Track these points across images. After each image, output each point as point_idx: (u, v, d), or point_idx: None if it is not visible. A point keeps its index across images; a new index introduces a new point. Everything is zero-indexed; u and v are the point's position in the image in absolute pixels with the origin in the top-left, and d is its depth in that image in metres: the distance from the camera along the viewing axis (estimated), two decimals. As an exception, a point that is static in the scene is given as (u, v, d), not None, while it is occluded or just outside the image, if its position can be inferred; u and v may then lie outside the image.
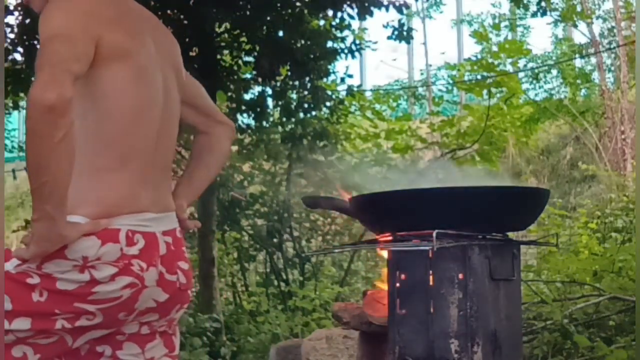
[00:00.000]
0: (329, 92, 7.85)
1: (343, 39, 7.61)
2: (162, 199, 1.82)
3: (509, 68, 11.10)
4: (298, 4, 6.95)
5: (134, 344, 1.79)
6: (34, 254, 1.62)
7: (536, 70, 13.68)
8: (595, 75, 13.85)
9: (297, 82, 7.40)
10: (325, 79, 7.87)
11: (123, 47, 1.70)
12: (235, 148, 8.58)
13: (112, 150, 1.70)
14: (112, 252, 1.67)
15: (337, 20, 7.37)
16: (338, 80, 8.21)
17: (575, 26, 13.58)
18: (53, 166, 1.55)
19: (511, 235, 3.14)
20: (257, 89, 7.58)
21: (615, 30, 13.34)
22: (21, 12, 6.77)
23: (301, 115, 7.71)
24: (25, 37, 6.74)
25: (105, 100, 1.69)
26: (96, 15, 1.68)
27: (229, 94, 7.42)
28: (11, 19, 6.75)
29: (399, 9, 6.87)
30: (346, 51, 7.47)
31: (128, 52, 1.71)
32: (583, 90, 13.84)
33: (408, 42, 7.69)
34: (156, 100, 1.78)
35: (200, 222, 6.94)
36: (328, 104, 7.71)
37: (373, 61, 18.89)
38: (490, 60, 10.52)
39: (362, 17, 7.24)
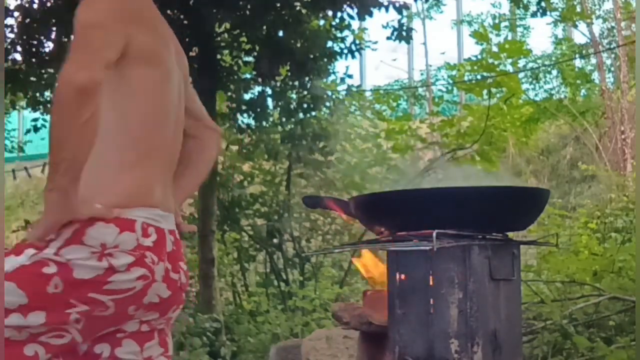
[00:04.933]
0: (329, 92, 7.85)
1: (343, 39, 7.61)
2: (169, 198, 1.88)
3: (509, 68, 11.10)
4: (298, 4, 6.95)
5: (133, 341, 1.81)
6: (46, 225, 1.66)
7: (536, 71, 13.68)
8: (595, 75, 13.86)
9: (297, 82, 7.40)
10: (325, 79, 7.87)
11: (153, 50, 1.80)
12: (235, 148, 8.58)
13: (136, 146, 1.77)
14: (129, 241, 1.71)
15: (337, 21, 7.37)
16: (338, 80, 8.21)
17: (575, 26, 13.58)
18: (75, 144, 1.62)
19: (511, 235, 3.14)
20: (257, 89, 7.58)
21: (615, 30, 13.34)
22: (21, 13, 6.78)
23: (301, 115, 7.71)
24: (25, 37, 6.74)
25: (135, 98, 1.77)
26: (129, 15, 1.77)
27: (229, 94, 7.43)
28: (11, 20, 6.75)
29: (398, 10, 6.87)
30: (346, 51, 7.47)
31: (157, 56, 1.81)
32: (583, 91, 13.84)
33: (408, 43, 7.69)
34: (174, 103, 1.88)
35: (200, 222, 7.02)
36: (328, 104, 7.71)
37: (373, 61, 18.88)
38: (490, 61, 10.51)
39: (361, 17, 7.24)
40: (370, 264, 3.41)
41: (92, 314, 1.70)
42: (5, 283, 1.66)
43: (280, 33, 6.98)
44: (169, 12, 6.61)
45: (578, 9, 13.07)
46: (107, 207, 1.71)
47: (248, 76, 7.72)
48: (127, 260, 1.70)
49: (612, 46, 13.34)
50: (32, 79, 7.03)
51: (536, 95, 13.61)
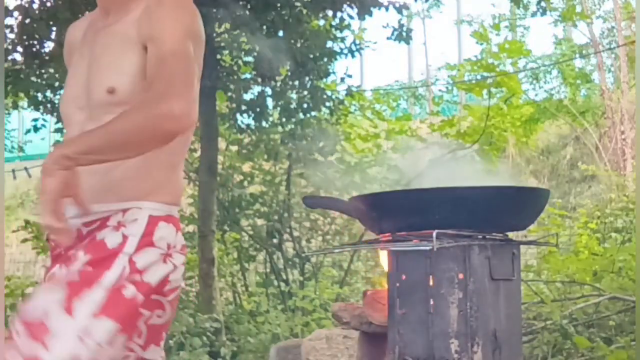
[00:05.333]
0: (329, 92, 7.84)
1: (343, 39, 7.61)
2: None
3: (509, 68, 11.10)
4: (298, 4, 6.95)
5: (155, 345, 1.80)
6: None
7: (536, 71, 13.68)
8: (595, 76, 13.86)
9: (297, 82, 7.39)
10: (325, 79, 7.87)
11: (200, 64, 1.83)
12: (235, 148, 8.58)
13: (182, 150, 1.83)
14: (180, 240, 1.77)
15: (337, 20, 7.37)
16: (338, 81, 8.21)
17: (575, 26, 13.58)
18: (127, 155, 1.64)
19: (511, 235, 3.14)
20: (257, 89, 7.58)
21: (615, 30, 13.34)
22: (21, 13, 6.77)
23: (301, 115, 7.71)
24: (25, 37, 6.73)
25: None
26: (194, 31, 1.79)
27: (229, 94, 7.42)
28: (11, 20, 6.75)
29: (398, 10, 6.86)
30: (346, 51, 7.47)
31: (199, 68, 1.84)
32: (583, 91, 13.83)
33: (408, 43, 7.68)
34: None
35: (200, 222, 7.02)
36: (328, 104, 7.71)
37: (373, 61, 18.86)
38: (490, 61, 10.51)
39: (361, 17, 7.24)
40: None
41: (150, 321, 1.70)
42: (100, 320, 1.62)
43: (280, 33, 6.98)
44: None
45: (578, 9, 13.06)
46: (160, 205, 1.74)
47: (248, 76, 7.72)
48: (181, 260, 1.75)
49: (612, 46, 13.34)
50: (33, 79, 7.02)
51: (536, 95, 13.61)
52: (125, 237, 1.68)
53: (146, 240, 1.68)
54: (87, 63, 1.79)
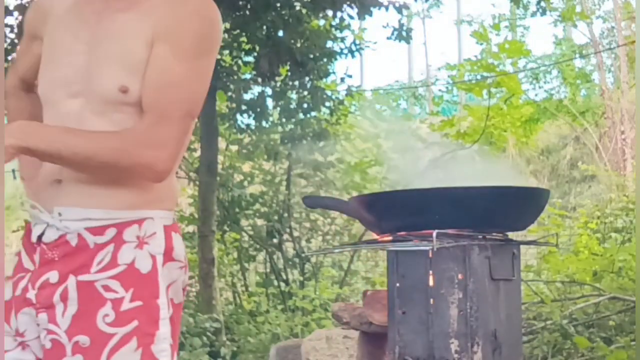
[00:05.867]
0: (329, 93, 7.84)
1: (343, 39, 7.61)
2: None
3: (509, 68, 11.10)
4: (298, 4, 6.94)
5: None
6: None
7: (536, 70, 13.68)
8: (595, 76, 13.87)
9: (296, 83, 7.39)
10: (325, 79, 7.86)
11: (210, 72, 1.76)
12: (235, 148, 8.58)
13: (180, 157, 1.68)
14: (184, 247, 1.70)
15: (337, 20, 7.37)
16: (338, 81, 8.21)
17: (575, 26, 13.58)
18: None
19: (511, 235, 3.14)
20: (257, 89, 7.58)
21: (615, 30, 13.35)
22: (21, 13, 6.77)
23: (301, 115, 7.71)
24: (25, 37, 6.72)
25: None
26: (216, 40, 1.69)
27: (229, 94, 7.42)
28: (11, 19, 6.75)
29: (398, 10, 6.86)
30: (346, 51, 7.46)
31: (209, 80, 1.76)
32: (583, 91, 13.84)
33: (408, 43, 7.68)
34: None
35: (200, 222, 7.01)
36: (328, 104, 7.70)
37: (373, 61, 18.88)
38: (490, 61, 10.51)
39: (361, 17, 7.23)
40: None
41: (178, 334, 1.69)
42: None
43: (280, 33, 6.98)
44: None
45: (578, 9, 13.07)
46: (168, 213, 1.66)
47: (248, 76, 7.71)
48: (185, 269, 1.68)
49: (612, 46, 13.34)
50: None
51: (536, 95, 13.62)
52: (153, 258, 1.59)
53: (168, 257, 1.61)
54: (85, 48, 1.62)
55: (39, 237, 1.60)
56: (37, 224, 1.62)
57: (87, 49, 1.62)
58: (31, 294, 1.59)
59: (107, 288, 1.55)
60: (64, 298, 1.56)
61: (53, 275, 1.58)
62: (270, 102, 7.69)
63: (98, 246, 1.57)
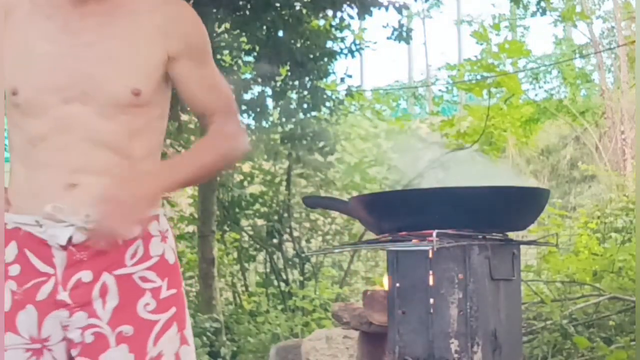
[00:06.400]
0: (329, 93, 7.84)
1: (343, 39, 7.60)
2: None
3: (509, 68, 11.09)
4: (298, 4, 6.94)
5: None
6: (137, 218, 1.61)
7: (536, 70, 13.68)
8: (595, 75, 13.87)
9: (296, 83, 7.39)
10: (325, 79, 7.86)
11: None
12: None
13: None
14: None
15: (337, 20, 7.36)
16: (338, 81, 8.20)
17: (575, 26, 13.59)
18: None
19: (511, 235, 3.14)
20: (257, 89, 7.57)
21: (615, 30, 13.35)
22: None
23: (301, 115, 7.70)
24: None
25: None
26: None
27: (229, 93, 7.41)
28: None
29: (398, 10, 6.86)
30: (346, 51, 7.46)
31: None
32: (583, 91, 13.84)
33: (408, 43, 7.68)
34: None
35: (200, 222, 7.00)
36: (328, 104, 7.70)
37: (373, 61, 18.90)
38: (490, 61, 10.50)
39: (361, 17, 7.23)
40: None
41: None
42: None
43: (280, 33, 6.98)
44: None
45: (578, 9, 13.07)
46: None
47: (248, 76, 7.71)
48: None
49: (612, 46, 13.34)
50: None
51: (536, 95, 13.62)
52: (173, 250, 1.74)
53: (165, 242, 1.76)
54: (76, 52, 1.64)
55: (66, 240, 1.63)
56: (57, 228, 1.62)
57: (80, 53, 1.64)
58: (63, 295, 1.63)
59: (144, 279, 1.66)
60: (103, 293, 1.63)
61: (85, 275, 1.63)
62: (270, 102, 7.68)
63: (126, 242, 1.64)
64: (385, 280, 3.09)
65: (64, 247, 1.63)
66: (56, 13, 1.66)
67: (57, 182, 1.63)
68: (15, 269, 1.65)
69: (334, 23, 7.47)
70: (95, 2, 1.67)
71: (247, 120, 7.76)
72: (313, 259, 8.31)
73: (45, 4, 1.68)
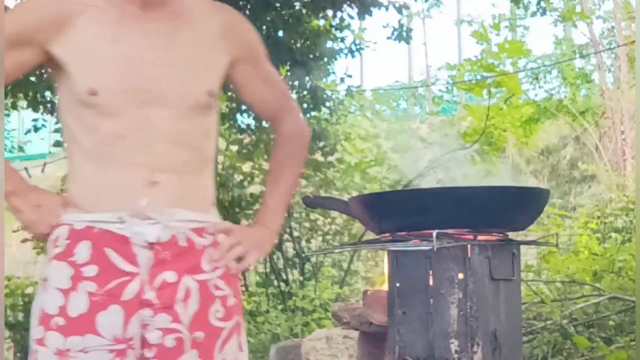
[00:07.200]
0: (329, 92, 7.83)
1: (343, 39, 7.60)
2: None
3: (509, 68, 11.10)
4: (298, 4, 6.94)
5: None
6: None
7: (536, 70, 13.68)
8: (595, 76, 13.87)
9: (296, 83, 7.39)
10: (325, 79, 7.86)
11: None
12: (235, 148, 8.57)
13: None
14: None
15: (337, 20, 7.36)
16: (338, 81, 8.20)
17: (575, 26, 13.58)
18: None
19: (511, 235, 3.14)
20: (257, 88, 7.56)
21: (615, 30, 13.35)
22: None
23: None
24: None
25: None
26: None
27: (229, 94, 7.42)
28: (11, 19, 6.73)
29: (398, 10, 6.86)
30: (346, 51, 7.46)
31: None
32: (583, 91, 13.84)
33: (408, 43, 7.68)
34: None
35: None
36: (328, 104, 7.70)
37: (373, 61, 18.89)
38: (490, 61, 10.50)
39: (361, 17, 7.23)
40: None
41: None
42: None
43: (280, 33, 6.97)
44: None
45: (578, 9, 13.07)
46: None
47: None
48: None
49: (612, 46, 13.34)
50: (32, 79, 7.01)
51: (536, 95, 13.62)
52: (235, 261, 1.79)
53: None
54: (146, 54, 1.68)
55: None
56: (143, 225, 1.64)
57: (156, 56, 1.69)
58: (150, 295, 1.64)
59: (216, 287, 1.71)
60: (186, 297, 1.66)
61: (170, 275, 1.66)
62: (270, 102, 7.67)
63: (204, 247, 1.70)
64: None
65: (150, 246, 1.64)
66: (126, 17, 1.71)
67: (138, 179, 1.65)
68: (91, 270, 1.64)
69: (334, 23, 7.47)
70: (161, 7, 1.72)
71: (247, 120, 7.76)
72: (313, 259, 8.31)
73: (114, 7, 1.71)
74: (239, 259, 1.74)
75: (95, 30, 1.69)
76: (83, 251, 1.64)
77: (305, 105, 7.59)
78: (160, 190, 1.65)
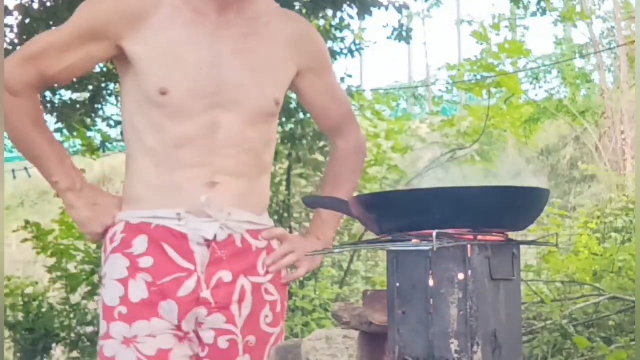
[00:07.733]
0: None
1: (343, 39, 7.60)
2: None
3: (509, 68, 11.10)
4: (298, 4, 6.94)
5: None
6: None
7: (536, 70, 13.68)
8: (595, 76, 13.88)
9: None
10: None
11: None
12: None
13: None
14: None
15: (337, 20, 7.36)
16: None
17: (575, 26, 13.59)
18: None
19: (511, 235, 3.13)
20: (257, 88, 7.56)
21: (615, 30, 13.35)
22: (21, 13, 6.77)
23: (301, 115, 7.70)
24: (25, 37, 6.73)
25: None
26: None
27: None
28: (11, 19, 6.75)
29: (398, 10, 6.86)
30: (346, 51, 7.46)
31: None
32: (583, 91, 13.85)
33: (408, 43, 7.68)
34: None
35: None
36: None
37: (373, 61, 18.91)
38: (490, 61, 10.51)
39: (361, 17, 7.23)
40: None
41: None
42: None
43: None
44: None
45: (578, 9, 13.08)
46: None
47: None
48: None
49: (612, 46, 13.34)
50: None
51: (536, 95, 13.64)
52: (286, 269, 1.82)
53: None
54: (219, 58, 1.69)
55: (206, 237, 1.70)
56: (201, 222, 1.66)
57: (228, 61, 1.70)
58: (206, 294, 1.66)
59: (267, 291, 1.75)
60: (241, 299, 1.69)
61: (226, 275, 1.68)
62: (270, 102, 7.67)
63: (258, 250, 1.73)
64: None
65: (207, 243, 1.66)
66: (202, 19, 1.70)
67: (199, 180, 1.67)
68: (147, 261, 1.66)
69: (334, 23, 7.47)
70: (237, 12, 1.72)
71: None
72: (313, 259, 8.30)
73: (191, 9, 1.71)
74: (291, 268, 1.75)
75: (171, 30, 1.69)
76: (139, 243, 1.66)
77: (305, 105, 7.59)
78: (219, 191, 1.67)
